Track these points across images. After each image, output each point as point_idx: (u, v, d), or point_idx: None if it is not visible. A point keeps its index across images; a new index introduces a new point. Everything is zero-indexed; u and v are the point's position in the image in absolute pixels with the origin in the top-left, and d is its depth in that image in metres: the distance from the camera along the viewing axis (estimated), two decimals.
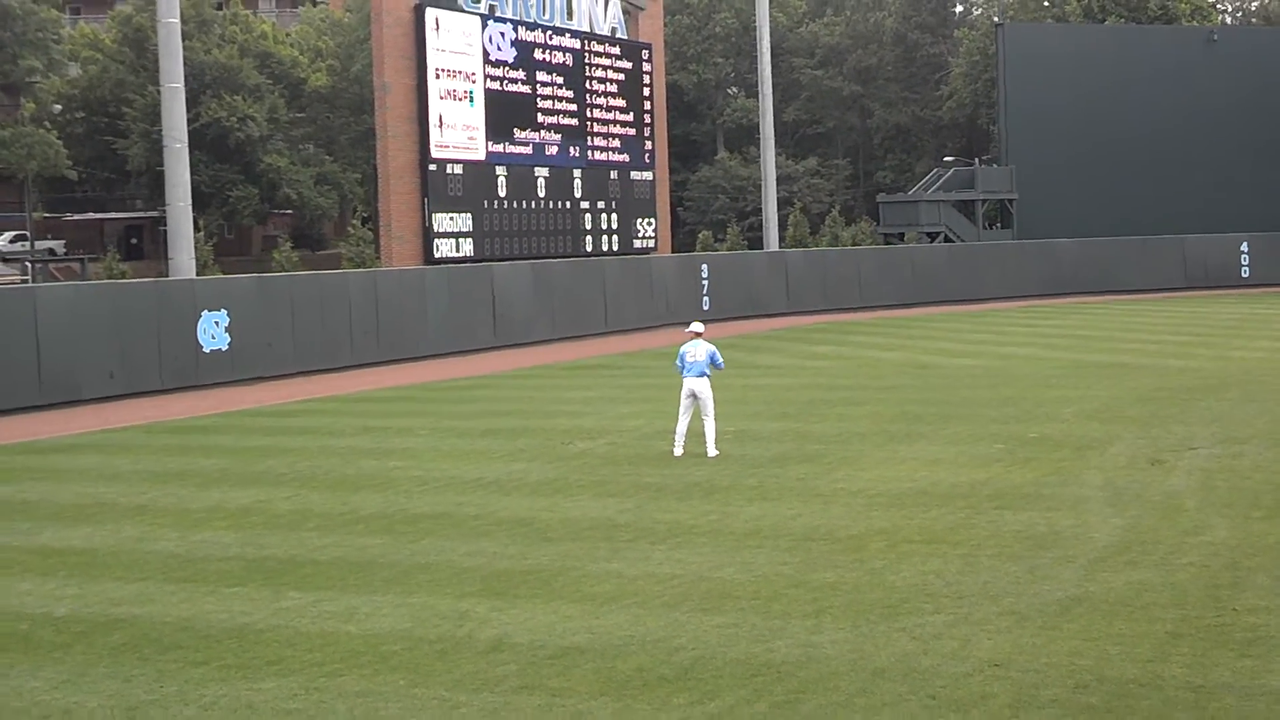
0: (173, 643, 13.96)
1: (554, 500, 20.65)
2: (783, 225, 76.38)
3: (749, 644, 13.18)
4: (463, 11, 51.01)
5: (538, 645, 13.39)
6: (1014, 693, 11.62)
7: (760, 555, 16.67)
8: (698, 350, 24.08)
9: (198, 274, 42.94)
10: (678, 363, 24.36)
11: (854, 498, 19.93)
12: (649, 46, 61.92)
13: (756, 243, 75.29)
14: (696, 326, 24.89)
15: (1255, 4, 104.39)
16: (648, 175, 61.22)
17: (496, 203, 52.17)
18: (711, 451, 24.00)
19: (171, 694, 12.42)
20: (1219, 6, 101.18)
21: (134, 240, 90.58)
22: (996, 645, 12.87)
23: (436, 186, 49.53)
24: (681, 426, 24.35)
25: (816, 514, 18.89)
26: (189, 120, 45.33)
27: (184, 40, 44.40)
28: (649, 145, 61.57)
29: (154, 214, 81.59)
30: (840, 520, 18.43)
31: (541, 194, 54.49)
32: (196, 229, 50.91)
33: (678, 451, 24.17)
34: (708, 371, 23.98)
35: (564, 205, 55.78)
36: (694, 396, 24.02)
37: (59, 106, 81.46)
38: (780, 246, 68.19)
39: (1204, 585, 14.70)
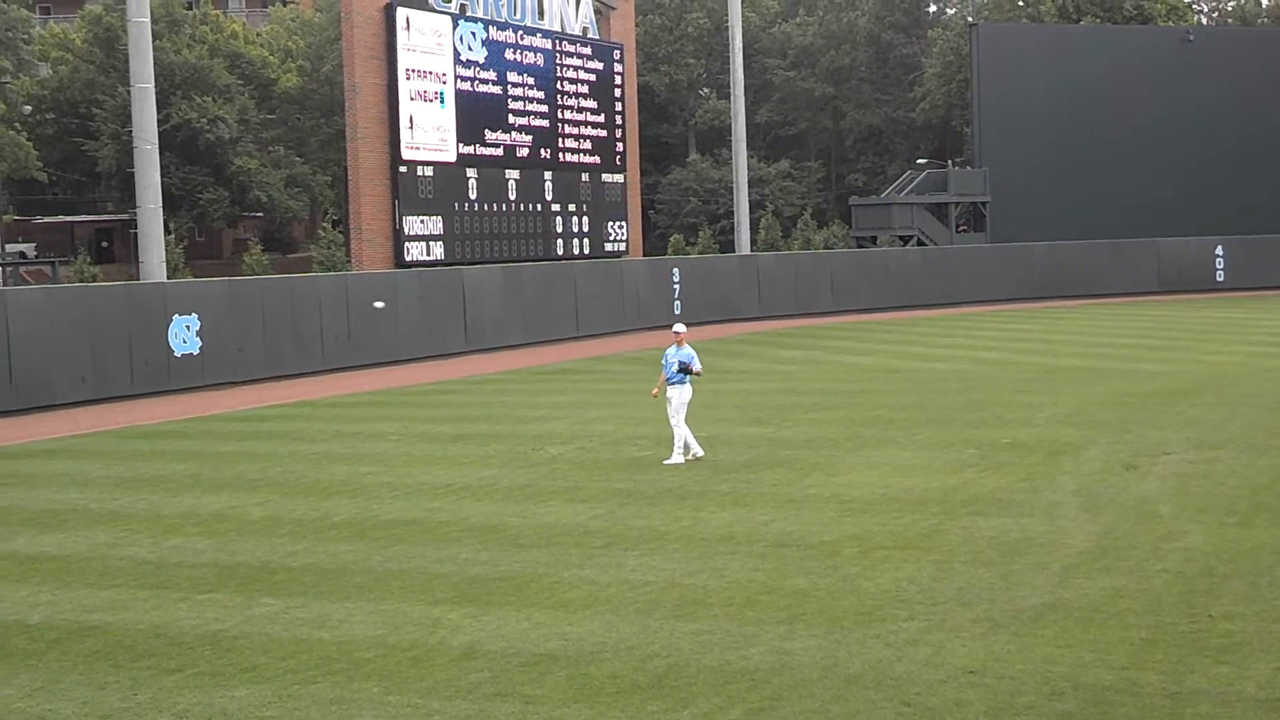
0: (146, 650, 13.90)
1: (525, 506, 20.60)
2: (755, 228, 76.50)
3: (722, 651, 13.15)
4: (433, 11, 50.89)
5: (510, 652, 13.34)
6: (989, 700, 11.61)
7: (733, 561, 16.64)
8: (674, 355, 24.04)
9: (168, 277, 42.78)
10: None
11: (826, 503, 19.91)
12: (620, 47, 61.89)
13: (728, 246, 75.32)
14: (678, 328, 24.79)
15: (1231, 4, 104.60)
16: (619, 178, 61.19)
17: (467, 205, 52.09)
18: (670, 459, 23.89)
19: (145, 701, 12.35)
20: (1195, 6, 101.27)
21: (105, 243, 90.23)
22: (971, 652, 12.86)
23: (407, 189, 49.42)
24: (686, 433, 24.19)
25: (789, 520, 18.87)
26: (159, 121, 45.17)
27: (154, 40, 44.17)
28: (620, 147, 61.54)
29: (124, 216, 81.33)
30: (813, 526, 18.41)
31: (512, 196, 54.42)
32: (167, 232, 50.88)
33: (695, 452, 24.02)
34: (685, 379, 23.89)
35: (535, 208, 55.71)
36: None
37: (29, 107, 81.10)
38: (752, 249, 68.24)
39: (1179, 591, 14.71)
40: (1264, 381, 33.12)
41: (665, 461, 23.77)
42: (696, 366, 24.13)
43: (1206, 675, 12.05)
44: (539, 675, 12.64)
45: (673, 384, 23.89)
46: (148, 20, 40.18)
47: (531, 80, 55.69)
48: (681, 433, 23.93)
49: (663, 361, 24.40)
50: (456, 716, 11.70)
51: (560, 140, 57.41)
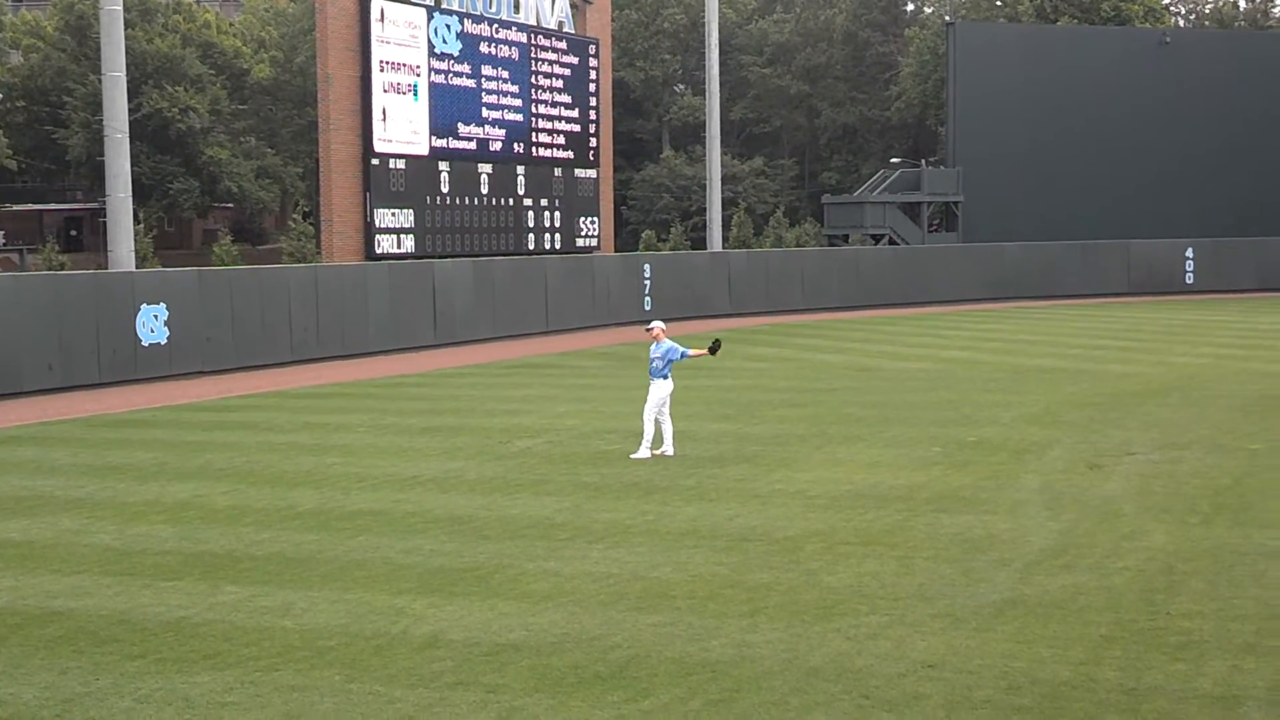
0: (109, 636, 13.88)
1: (491, 498, 20.62)
2: (727, 225, 76.52)
3: (684, 643, 13.20)
4: (408, 3, 50.68)
5: (473, 642, 13.37)
6: (947, 693, 11.68)
7: (697, 555, 16.70)
8: (655, 351, 24.08)
9: (137, 267, 42.65)
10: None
11: (792, 499, 19.98)
12: (596, 42, 61.84)
13: (700, 243, 75.38)
14: (655, 324, 24.75)
15: (1208, 6, 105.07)
16: (592, 173, 61.16)
17: (439, 199, 52.00)
18: (637, 453, 23.94)
19: (107, 686, 12.34)
20: (1172, 9, 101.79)
21: (74, 232, 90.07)
22: (930, 646, 12.93)
23: (379, 181, 49.32)
24: (664, 428, 24.20)
25: (754, 515, 18.93)
26: (130, 111, 45.07)
27: (126, 29, 44.02)
28: (594, 143, 61.51)
29: (94, 205, 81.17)
30: (777, 521, 18.47)
31: (484, 190, 54.35)
32: (136, 221, 50.71)
33: (666, 450, 24.01)
34: (667, 374, 23.89)
35: (507, 202, 55.65)
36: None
37: None
38: (724, 247, 68.23)
39: (1139, 589, 14.81)
40: (1230, 383, 33.29)
41: (632, 456, 23.82)
42: (682, 350, 24.18)
43: (1163, 672, 12.15)
44: (501, 665, 12.68)
45: (654, 378, 23.92)
46: (120, 8, 39.99)
47: (506, 74, 55.61)
48: (652, 429, 23.95)
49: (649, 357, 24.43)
50: (418, 705, 11.72)
51: (534, 135, 57.34)
